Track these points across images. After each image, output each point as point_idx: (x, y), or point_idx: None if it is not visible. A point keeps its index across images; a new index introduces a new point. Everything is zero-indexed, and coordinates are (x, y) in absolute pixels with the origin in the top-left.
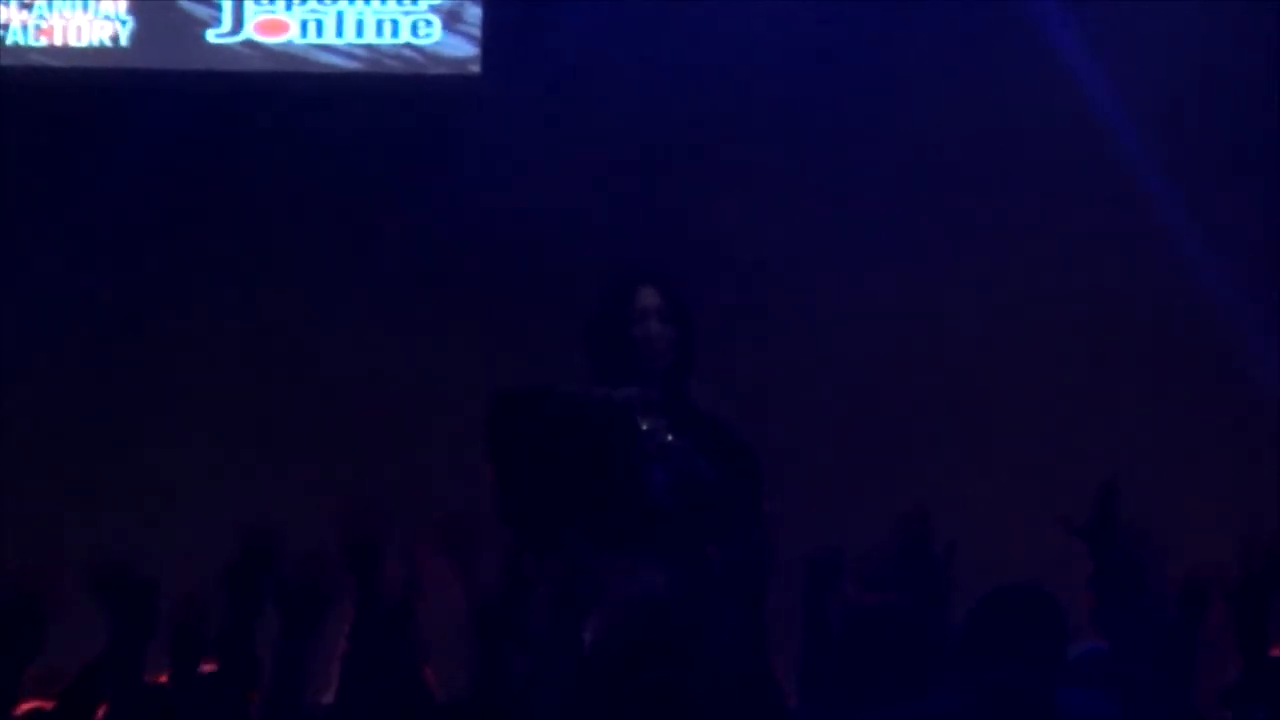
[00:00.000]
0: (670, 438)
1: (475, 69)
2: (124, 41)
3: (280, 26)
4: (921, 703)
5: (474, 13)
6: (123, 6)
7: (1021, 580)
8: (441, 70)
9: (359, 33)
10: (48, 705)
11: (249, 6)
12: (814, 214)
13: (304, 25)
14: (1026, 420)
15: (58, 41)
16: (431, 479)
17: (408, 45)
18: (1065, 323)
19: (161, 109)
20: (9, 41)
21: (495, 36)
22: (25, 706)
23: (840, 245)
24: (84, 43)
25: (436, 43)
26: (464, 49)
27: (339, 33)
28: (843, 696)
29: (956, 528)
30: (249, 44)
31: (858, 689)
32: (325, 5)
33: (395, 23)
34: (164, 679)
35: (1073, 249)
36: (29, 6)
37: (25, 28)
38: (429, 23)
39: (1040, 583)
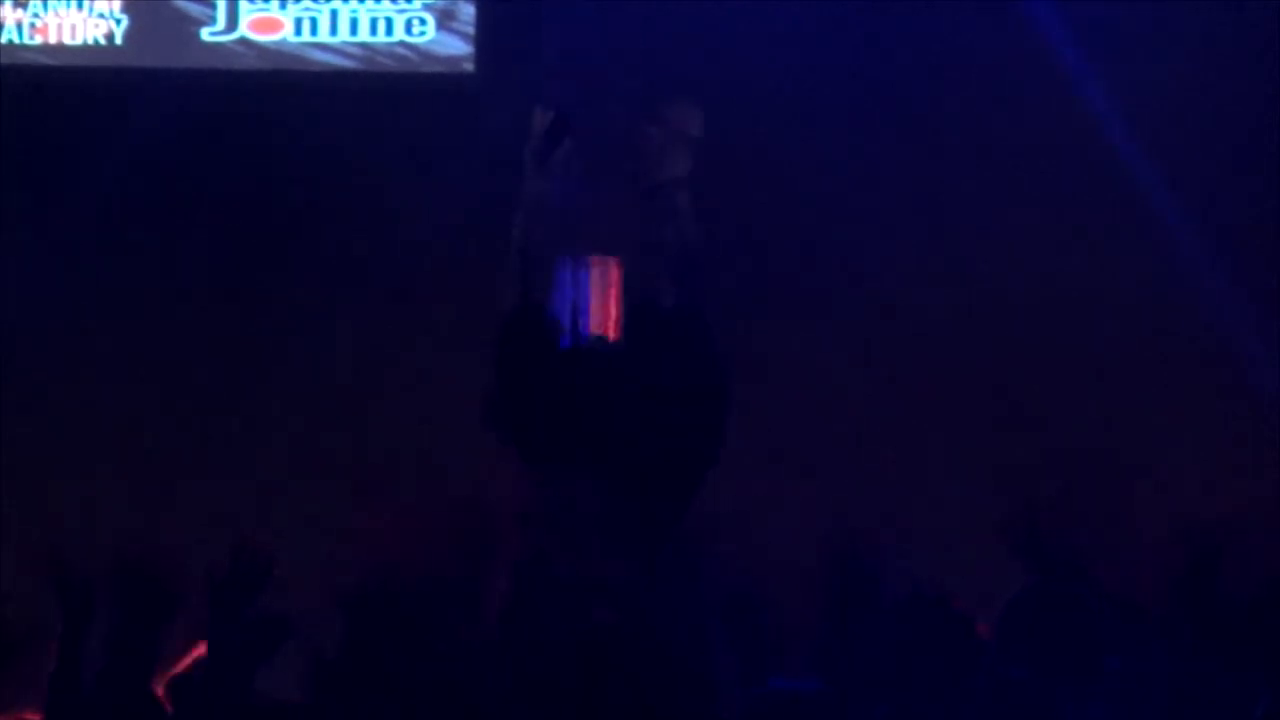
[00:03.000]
0: None
1: (469, 67)
2: (118, 40)
3: (274, 25)
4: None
5: (468, 11)
6: (117, 5)
7: (1052, 582)
8: (435, 69)
9: (353, 31)
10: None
11: (243, 5)
12: (813, 213)
13: (298, 23)
14: (1025, 419)
15: (52, 40)
16: (427, 475)
17: (401, 43)
18: (1065, 322)
19: (156, 107)
20: (3, 40)
21: (489, 35)
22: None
23: (841, 245)
24: (78, 41)
25: (430, 41)
26: (458, 47)
27: (333, 31)
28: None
29: (962, 526)
30: (243, 42)
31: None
32: (319, 3)
33: (389, 21)
34: None
35: (1074, 249)
36: (23, 5)
37: (20, 26)
38: (423, 21)
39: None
